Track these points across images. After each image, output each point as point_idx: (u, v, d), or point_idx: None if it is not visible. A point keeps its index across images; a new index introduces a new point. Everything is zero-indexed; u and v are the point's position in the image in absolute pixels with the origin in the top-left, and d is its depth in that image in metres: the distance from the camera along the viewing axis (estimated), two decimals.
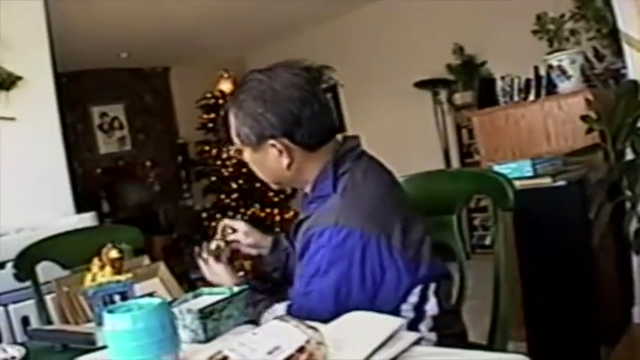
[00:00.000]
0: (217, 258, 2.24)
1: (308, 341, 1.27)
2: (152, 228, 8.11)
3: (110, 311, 1.03)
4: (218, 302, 1.79)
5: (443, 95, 7.91)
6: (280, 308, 1.92)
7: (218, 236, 2.32)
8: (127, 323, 1.00)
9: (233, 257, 2.33)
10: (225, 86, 9.35)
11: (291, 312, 1.85)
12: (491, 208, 2.26)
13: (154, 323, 1.01)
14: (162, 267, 2.83)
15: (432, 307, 1.86)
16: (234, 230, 2.36)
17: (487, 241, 7.23)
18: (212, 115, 9.33)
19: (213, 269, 2.22)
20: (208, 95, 9.34)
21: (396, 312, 1.78)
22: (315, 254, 1.84)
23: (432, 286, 1.87)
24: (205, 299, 1.88)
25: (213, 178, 9.25)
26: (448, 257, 2.33)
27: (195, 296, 1.93)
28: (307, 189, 2.00)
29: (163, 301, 1.04)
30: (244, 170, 8.89)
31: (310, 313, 1.76)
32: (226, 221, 2.38)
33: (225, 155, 8.97)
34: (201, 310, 1.72)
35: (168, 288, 2.63)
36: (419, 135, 8.16)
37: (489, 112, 5.55)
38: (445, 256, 2.30)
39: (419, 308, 1.84)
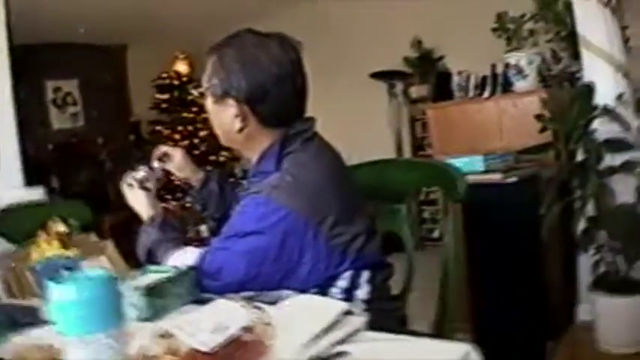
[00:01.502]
0: (143, 187, 2.27)
1: (254, 321, 1.27)
2: (102, 206, 8.02)
3: (56, 280, 1.02)
4: (165, 280, 1.78)
5: (399, 88, 7.93)
6: (192, 251, 1.97)
7: (153, 162, 2.35)
8: (72, 293, 0.98)
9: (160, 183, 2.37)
10: (182, 67, 9.38)
11: (202, 259, 1.90)
12: (442, 199, 2.28)
13: (100, 294, 0.99)
14: (109, 245, 2.80)
15: (363, 293, 1.89)
16: (169, 158, 2.41)
17: (436, 234, 7.31)
18: (166, 96, 9.36)
19: (136, 195, 2.27)
20: (164, 75, 9.37)
21: (309, 292, 1.80)
22: (240, 215, 1.88)
23: (365, 275, 1.89)
24: (152, 277, 1.85)
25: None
26: (397, 247, 2.35)
27: (142, 274, 1.90)
28: (253, 160, 2.02)
29: (111, 273, 1.03)
30: (196, 152, 8.89)
31: (220, 267, 1.85)
32: (165, 148, 2.42)
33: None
34: (147, 288, 1.71)
35: (115, 266, 2.61)
36: (372, 125, 8.17)
37: (444, 106, 5.62)
38: (393, 246, 2.31)
39: (348, 292, 1.87)
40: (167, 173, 2.38)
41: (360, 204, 1.96)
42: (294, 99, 1.94)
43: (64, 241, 2.20)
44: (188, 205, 8.36)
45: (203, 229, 7.80)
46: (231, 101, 1.91)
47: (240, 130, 1.94)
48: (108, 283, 1.02)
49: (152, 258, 2.06)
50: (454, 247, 2.20)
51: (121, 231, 7.85)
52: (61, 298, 0.99)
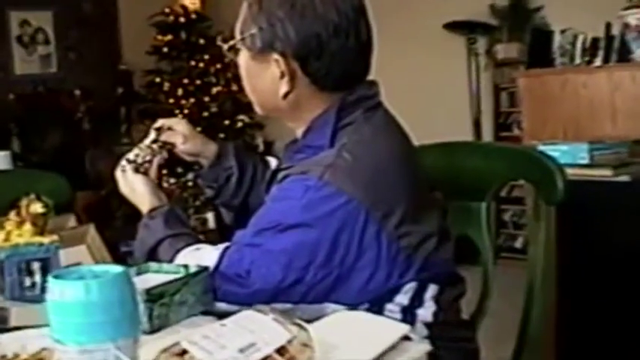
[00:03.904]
0: (138, 170, 2.26)
1: (290, 341, 1.32)
2: (75, 179, 8.06)
3: (57, 276, 1.08)
4: (170, 283, 1.81)
5: (481, 44, 7.92)
6: (211, 250, 1.98)
7: (149, 139, 2.33)
8: (79, 292, 1.04)
9: (162, 167, 2.35)
10: (189, 1, 9.27)
11: (224, 258, 1.91)
12: (532, 199, 2.31)
13: (113, 296, 1.05)
14: (91, 231, 2.87)
15: (427, 313, 1.92)
16: (170, 130, 2.35)
17: (517, 244, 7.33)
18: (169, 37, 9.26)
19: (132, 182, 2.26)
20: (167, 10, 9.27)
21: (360, 308, 1.83)
22: (279, 202, 1.90)
23: (432, 289, 1.93)
24: (152, 278, 1.90)
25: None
26: (467, 257, 2.39)
27: (139, 273, 1.95)
28: (298, 132, 2.05)
29: (125, 269, 1.10)
30: (205, 114, 8.84)
31: (248, 270, 1.86)
32: (162, 120, 2.38)
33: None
34: (148, 292, 1.74)
35: (96, 259, 2.66)
36: (444, 93, 8.14)
37: (541, 74, 5.60)
38: (463, 255, 2.35)
39: (409, 311, 1.90)
40: (169, 151, 2.34)
41: (432, 196, 2.01)
42: (356, 55, 1.95)
43: (40, 225, 2.25)
44: (190, 183, 8.30)
45: (209, 217, 7.74)
46: (275, 56, 1.92)
47: (287, 94, 1.95)
48: (123, 283, 1.09)
49: (154, 259, 2.07)
50: (544, 262, 2.24)
51: (99, 213, 7.91)
52: (64, 298, 1.06)
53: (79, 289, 1.05)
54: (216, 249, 1.98)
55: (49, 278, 1.07)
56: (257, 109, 2.11)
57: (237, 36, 2.01)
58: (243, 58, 2.03)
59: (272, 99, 2.00)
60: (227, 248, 1.95)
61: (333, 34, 1.88)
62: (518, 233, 7.44)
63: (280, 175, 1.98)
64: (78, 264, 2.47)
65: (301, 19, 1.88)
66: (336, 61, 1.91)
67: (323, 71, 1.92)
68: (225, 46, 2.07)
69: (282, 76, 1.93)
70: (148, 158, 2.29)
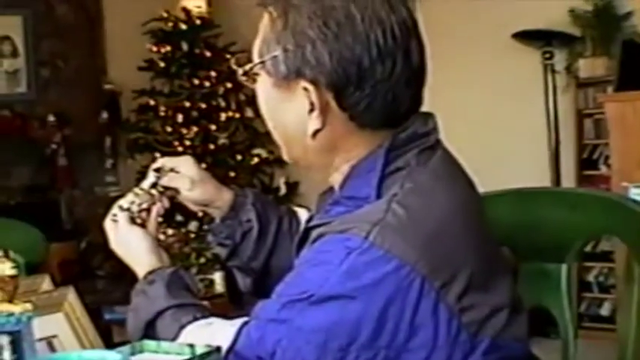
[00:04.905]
0: (134, 220, 2.24)
1: None
2: (47, 228, 8.05)
3: None
4: None
5: (559, 59, 7.90)
6: (224, 326, 1.94)
7: (147, 182, 2.30)
8: None
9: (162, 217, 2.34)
10: (193, 3, 9.19)
11: (241, 337, 1.86)
12: (624, 255, 2.29)
13: None
14: (70, 296, 2.88)
15: None
16: (173, 172, 2.32)
17: (604, 311, 7.28)
18: (167, 49, 9.23)
19: (123, 235, 2.25)
20: (164, 15, 9.25)
21: None
22: (314, 267, 1.83)
23: None
24: (149, 359, 1.87)
25: (158, 155, 8.50)
26: (542, 328, 2.37)
27: (133, 353, 1.85)
28: (335, 181, 2.02)
29: (123, 357, 1.11)
30: (212, 147, 8.77)
31: (272, 352, 1.79)
32: (163, 160, 2.36)
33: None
34: None
35: (77, 332, 2.66)
36: (513, 121, 8.14)
37: (634, 97, 5.58)
38: (538, 326, 2.33)
39: None
40: (171, 198, 2.34)
41: (503, 259, 1.98)
42: (406, 83, 1.89)
43: (9, 290, 2.25)
44: (193, 235, 8.18)
45: (217, 279, 7.60)
46: (304, 84, 1.87)
47: (317, 132, 1.90)
48: None
49: (152, 335, 2.03)
50: (636, 334, 2.21)
51: (78, 271, 7.91)
52: None
53: None
54: (231, 324, 1.91)
55: None
56: (284, 154, 2.07)
57: (256, 58, 1.97)
58: (262, 86, 1.99)
59: (298, 138, 1.95)
60: (245, 324, 1.89)
61: (377, 59, 1.84)
62: (605, 297, 7.37)
63: (314, 233, 1.92)
64: (54, 337, 2.48)
65: (337, 40, 1.83)
66: (381, 92, 1.86)
67: (363, 105, 1.87)
68: (241, 71, 2.02)
69: (312, 109, 1.88)
70: (145, 206, 2.27)
